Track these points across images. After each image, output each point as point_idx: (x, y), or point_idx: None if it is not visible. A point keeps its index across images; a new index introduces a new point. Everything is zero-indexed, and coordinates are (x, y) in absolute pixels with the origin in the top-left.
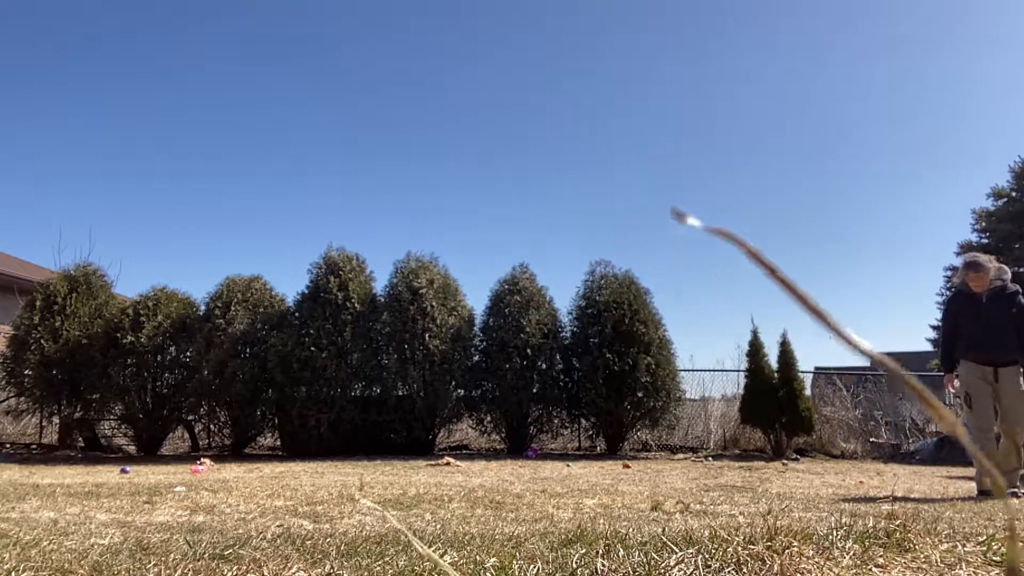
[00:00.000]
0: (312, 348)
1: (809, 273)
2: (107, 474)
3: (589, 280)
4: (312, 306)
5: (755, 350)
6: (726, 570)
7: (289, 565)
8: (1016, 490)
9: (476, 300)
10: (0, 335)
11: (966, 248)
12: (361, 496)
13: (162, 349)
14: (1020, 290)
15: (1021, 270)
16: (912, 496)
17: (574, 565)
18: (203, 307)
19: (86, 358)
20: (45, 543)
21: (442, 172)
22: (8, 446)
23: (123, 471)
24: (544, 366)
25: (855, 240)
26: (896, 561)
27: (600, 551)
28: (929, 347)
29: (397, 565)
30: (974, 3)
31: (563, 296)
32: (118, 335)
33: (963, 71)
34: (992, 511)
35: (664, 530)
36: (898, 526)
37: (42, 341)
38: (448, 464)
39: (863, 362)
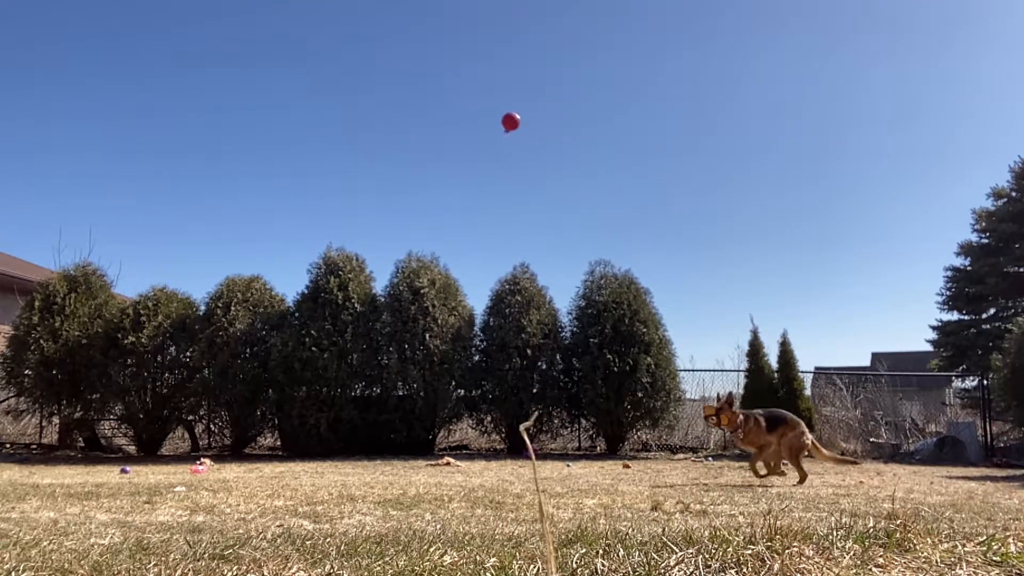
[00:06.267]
0: (313, 348)
1: (810, 273)
2: (107, 474)
3: (589, 280)
4: (312, 306)
5: (755, 350)
6: (726, 570)
7: (289, 565)
8: None
9: (476, 300)
10: (0, 335)
11: (966, 248)
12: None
13: (162, 349)
14: None
15: (1021, 270)
16: (912, 496)
17: (574, 565)
18: (203, 307)
19: (86, 358)
20: (45, 543)
21: (442, 172)
22: (8, 446)
23: (123, 471)
24: (544, 366)
25: (856, 240)
26: (896, 561)
27: (600, 551)
28: (929, 347)
29: (397, 565)
30: (975, 3)
31: (563, 296)
32: (118, 335)
33: (964, 71)
34: (992, 511)
35: (664, 530)
36: (898, 526)
37: (42, 341)
38: (448, 464)
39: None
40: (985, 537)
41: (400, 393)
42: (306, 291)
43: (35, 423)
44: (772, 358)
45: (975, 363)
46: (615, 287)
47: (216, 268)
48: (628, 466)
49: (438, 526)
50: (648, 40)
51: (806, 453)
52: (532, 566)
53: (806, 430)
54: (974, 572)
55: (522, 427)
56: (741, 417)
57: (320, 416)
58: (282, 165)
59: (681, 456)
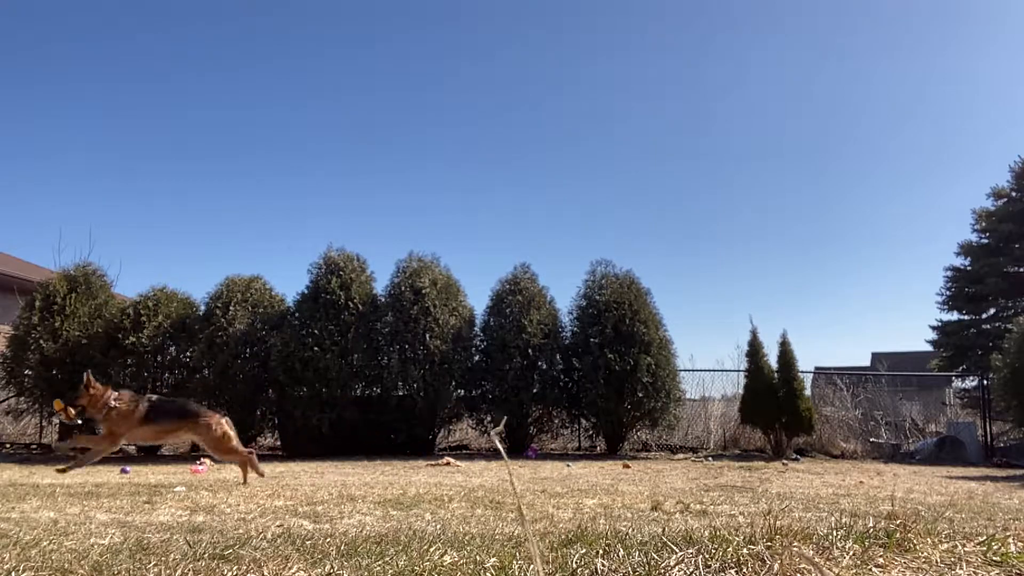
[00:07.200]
0: (315, 348)
1: (810, 273)
2: (107, 474)
3: (590, 280)
4: (313, 306)
5: (755, 350)
6: (726, 570)
7: (289, 565)
8: None
9: (476, 300)
10: (0, 335)
11: (966, 248)
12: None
13: (162, 349)
14: None
15: (1021, 270)
16: (912, 496)
17: (574, 565)
18: (203, 307)
19: (86, 358)
20: (45, 543)
21: (442, 172)
22: (8, 446)
23: (123, 471)
24: (544, 366)
25: (856, 240)
26: (896, 561)
27: (600, 551)
28: (929, 347)
29: (397, 565)
30: (974, 3)
31: (564, 296)
32: (118, 335)
33: (963, 71)
34: (992, 511)
35: (664, 530)
36: (898, 526)
37: (42, 341)
38: (448, 464)
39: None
40: (985, 537)
41: (400, 393)
42: (306, 291)
43: (35, 423)
44: (772, 358)
45: (975, 363)
46: (616, 287)
47: (216, 268)
48: (628, 466)
49: (438, 526)
50: (648, 40)
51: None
52: (532, 566)
53: (218, 422)
54: (974, 572)
55: (493, 433)
56: (113, 396)
57: (322, 416)
58: (282, 165)
59: (681, 456)
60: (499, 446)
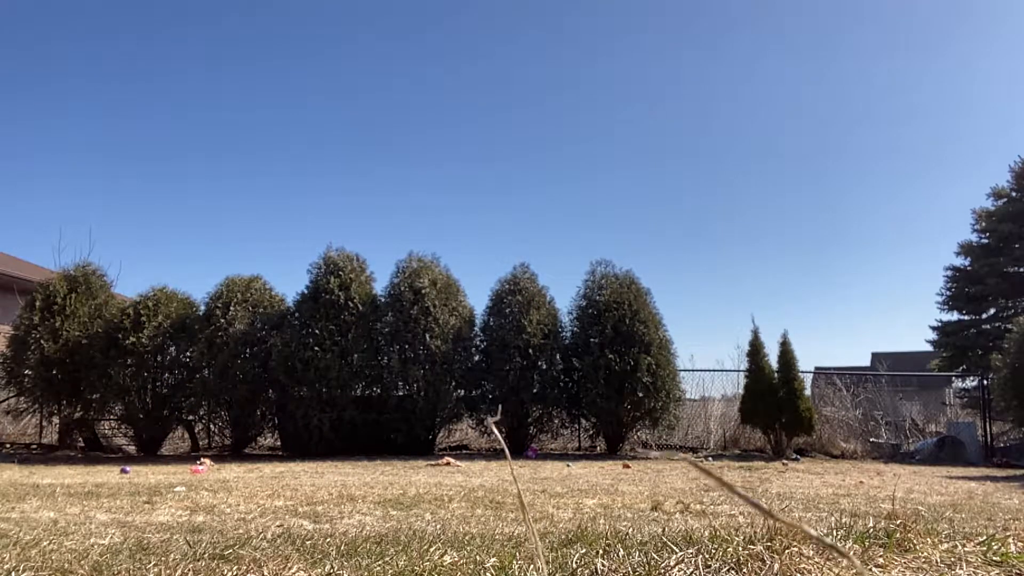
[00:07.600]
0: (315, 348)
1: (810, 273)
2: (107, 474)
3: (590, 280)
4: (313, 306)
5: (755, 350)
6: (726, 570)
7: (289, 565)
8: None
9: (476, 300)
10: (0, 335)
11: (966, 248)
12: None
13: (162, 349)
14: None
15: (1021, 270)
16: (912, 496)
17: (574, 565)
18: (203, 307)
19: (86, 358)
20: (45, 543)
21: (442, 172)
22: (8, 446)
23: (123, 471)
24: (544, 366)
25: (856, 240)
26: (896, 561)
27: (600, 551)
28: (929, 347)
29: (397, 565)
30: (974, 3)
31: (563, 296)
32: (119, 335)
33: (963, 71)
34: (992, 511)
35: (664, 530)
36: (898, 526)
37: (42, 341)
38: (448, 464)
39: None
40: (985, 537)
41: (400, 393)
42: (306, 291)
43: (35, 423)
44: (772, 358)
45: (975, 363)
46: (616, 287)
47: (216, 268)
48: (628, 466)
49: (438, 526)
50: (649, 40)
51: None
52: (532, 566)
53: None
54: (974, 572)
55: (490, 420)
56: None
57: (323, 416)
58: (282, 165)
59: (681, 456)
60: (498, 433)
